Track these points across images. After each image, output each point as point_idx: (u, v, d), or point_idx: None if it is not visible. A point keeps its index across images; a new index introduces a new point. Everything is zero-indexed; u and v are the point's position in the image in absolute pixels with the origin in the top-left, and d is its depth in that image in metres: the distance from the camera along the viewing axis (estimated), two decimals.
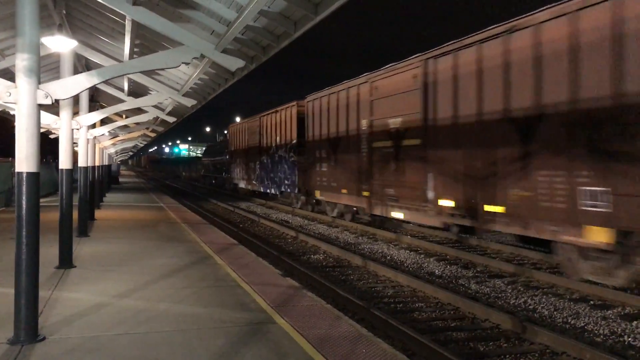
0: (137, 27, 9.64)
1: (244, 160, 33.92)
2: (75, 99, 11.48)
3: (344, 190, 18.80)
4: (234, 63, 8.36)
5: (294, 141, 24.33)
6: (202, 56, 8.70)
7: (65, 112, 9.92)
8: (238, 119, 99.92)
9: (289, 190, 25.57)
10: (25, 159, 5.50)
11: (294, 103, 24.55)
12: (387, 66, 16.02)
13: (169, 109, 18.38)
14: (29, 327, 5.52)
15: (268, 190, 28.93)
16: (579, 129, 9.50)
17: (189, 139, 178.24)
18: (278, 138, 26.74)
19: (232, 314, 6.70)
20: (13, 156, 5.87)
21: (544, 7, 10.29)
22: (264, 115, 29.30)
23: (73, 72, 10.03)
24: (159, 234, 14.11)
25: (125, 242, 12.58)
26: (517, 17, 10.97)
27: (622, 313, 8.38)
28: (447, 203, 13.14)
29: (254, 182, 31.73)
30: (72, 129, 10.28)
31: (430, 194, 13.78)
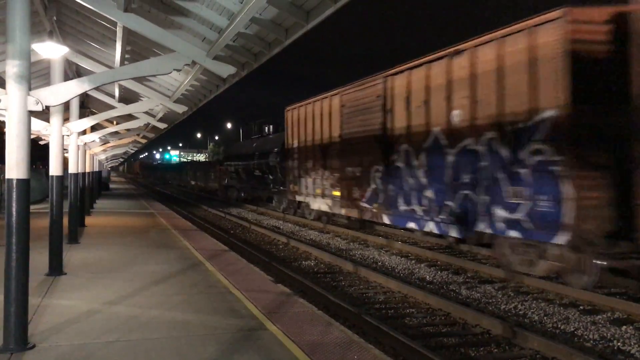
0: (128, 33, 9.64)
1: (329, 163, 19.28)
2: (66, 106, 11.47)
3: None
4: (225, 70, 8.38)
5: (551, 114, 9.94)
6: (194, 63, 8.74)
7: (55, 118, 9.90)
8: (227, 124, 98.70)
9: (516, 232, 10.72)
10: (15, 165, 5.48)
11: (559, 13, 9.80)
12: None
13: (160, 115, 18.36)
14: (18, 335, 5.48)
15: (413, 225, 14.20)
16: None
17: (180, 145, 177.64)
18: (461, 112, 12.19)
19: (224, 321, 6.69)
20: (3, 163, 5.85)
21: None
22: (398, 73, 14.74)
23: (64, 79, 10.03)
24: (150, 241, 14.05)
25: (115, 248, 12.52)
26: None
27: (611, 318, 8.45)
28: None
29: (363, 203, 16.72)
30: (63, 136, 10.26)
31: None
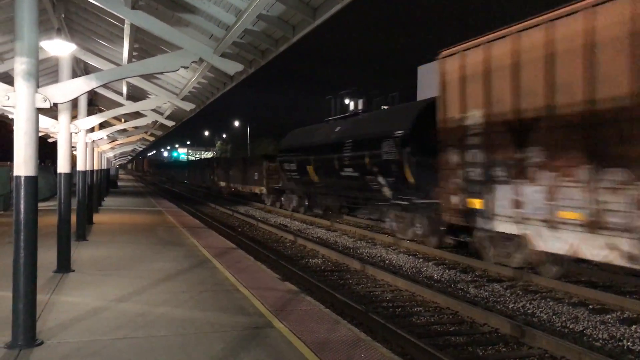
0: (135, 31, 9.65)
1: None
2: (74, 103, 11.49)
3: None
4: (232, 67, 8.35)
5: None
6: (201, 60, 8.72)
7: (63, 115, 9.92)
8: (235, 122, 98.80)
9: None
10: (23, 162, 5.49)
11: None
12: None
13: (167, 112, 18.40)
14: (26, 332, 5.50)
15: None
16: None
17: (188, 143, 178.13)
18: None
19: (231, 319, 6.68)
20: (12, 160, 5.87)
21: None
22: None
23: (72, 76, 10.04)
24: (158, 238, 14.08)
25: (123, 246, 12.55)
26: None
27: (621, 317, 8.38)
28: None
29: None
30: (71, 133, 10.28)
31: None
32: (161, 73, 11.42)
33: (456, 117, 12.46)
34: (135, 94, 17.45)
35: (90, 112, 14.08)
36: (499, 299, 9.52)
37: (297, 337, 5.98)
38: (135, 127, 22.22)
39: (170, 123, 19.96)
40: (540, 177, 10.04)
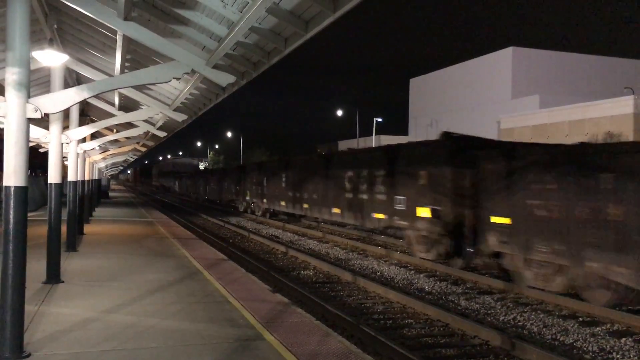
0: (128, 42, 9.66)
1: None
2: (66, 113, 11.47)
3: None
4: (224, 78, 8.37)
5: None
6: (193, 71, 8.73)
7: (55, 126, 9.90)
8: (228, 133, 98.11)
9: None
10: (13, 172, 5.47)
11: None
12: None
13: (159, 123, 18.37)
14: (14, 344, 5.44)
15: None
16: None
17: (180, 153, 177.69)
18: None
19: (221, 330, 6.65)
20: (1, 170, 5.84)
21: None
22: None
23: (64, 86, 10.04)
24: (148, 249, 14.01)
25: (114, 257, 12.48)
26: None
27: (610, 330, 8.41)
28: None
29: None
30: (62, 143, 10.25)
31: None
32: (153, 84, 11.42)
33: None
34: (127, 105, 17.43)
35: (82, 123, 14.06)
36: (489, 311, 9.54)
37: (287, 350, 5.96)
38: (127, 138, 22.13)
39: (162, 134, 19.95)
40: None
